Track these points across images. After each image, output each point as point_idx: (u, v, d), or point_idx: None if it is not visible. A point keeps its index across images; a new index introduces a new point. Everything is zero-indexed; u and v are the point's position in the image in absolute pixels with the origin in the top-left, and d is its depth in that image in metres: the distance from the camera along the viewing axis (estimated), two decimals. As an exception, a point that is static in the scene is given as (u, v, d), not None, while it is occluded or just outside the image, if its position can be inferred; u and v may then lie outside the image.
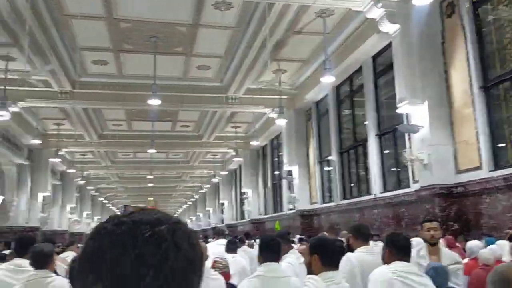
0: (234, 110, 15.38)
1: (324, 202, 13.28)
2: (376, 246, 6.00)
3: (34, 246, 3.49)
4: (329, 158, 12.82)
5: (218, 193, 30.44)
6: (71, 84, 12.90)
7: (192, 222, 47.05)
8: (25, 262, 3.61)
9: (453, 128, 7.43)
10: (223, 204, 27.61)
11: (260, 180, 20.70)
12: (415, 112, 7.76)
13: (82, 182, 25.24)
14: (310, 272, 2.67)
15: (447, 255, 3.64)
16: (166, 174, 30.65)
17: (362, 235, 3.81)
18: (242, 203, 23.79)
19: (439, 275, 3.01)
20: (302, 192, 14.15)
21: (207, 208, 34.43)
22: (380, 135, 10.02)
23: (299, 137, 14.62)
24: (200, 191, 34.44)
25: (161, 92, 11.45)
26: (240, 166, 23.97)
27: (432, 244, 3.70)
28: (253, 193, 20.76)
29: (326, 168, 13.52)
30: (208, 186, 31.46)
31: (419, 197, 7.74)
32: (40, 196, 19.30)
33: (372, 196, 9.98)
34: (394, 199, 9.08)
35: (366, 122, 10.71)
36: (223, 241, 7.31)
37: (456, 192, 7.15)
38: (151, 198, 29.50)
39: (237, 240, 7.52)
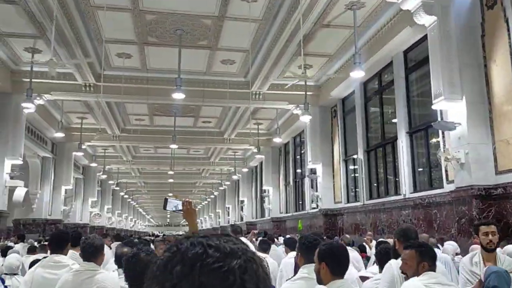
0: (257, 106, 15.12)
1: (348, 202, 12.95)
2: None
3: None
4: (355, 156, 12.48)
5: (238, 190, 30.29)
6: (95, 77, 12.85)
7: (211, 219, 47.16)
8: (63, 258, 3.65)
9: (493, 126, 7.03)
10: (242, 201, 27.41)
11: (282, 178, 20.40)
12: (452, 108, 7.38)
13: (104, 176, 25.35)
14: (319, 281, 2.56)
15: (506, 262, 3.31)
16: (186, 170, 30.65)
17: (408, 240, 3.45)
18: (262, 201, 23.57)
19: (502, 280, 2.71)
20: (326, 191, 13.84)
21: (226, 205, 34.30)
22: (411, 133, 9.65)
23: (324, 134, 14.33)
24: (219, 188, 34.30)
25: (184, 86, 11.29)
26: (261, 163, 23.77)
27: (489, 250, 3.36)
28: (274, 191, 20.51)
29: (352, 167, 13.19)
30: (228, 183, 31.33)
31: (454, 198, 7.37)
32: (63, 189, 19.47)
33: (401, 197, 9.62)
34: (426, 199, 8.71)
35: (395, 120, 10.34)
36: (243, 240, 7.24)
37: (496, 194, 6.77)
38: (171, 194, 29.44)
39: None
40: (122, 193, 35.64)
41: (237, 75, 13.65)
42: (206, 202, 47.69)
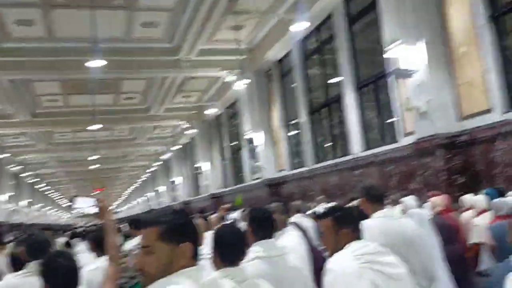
0: (187, 75, 13.90)
1: (293, 168, 12.29)
2: (393, 209, 5.08)
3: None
4: (297, 120, 11.79)
5: (170, 171, 28.96)
6: (-7, 50, 10.87)
7: (139, 204, 45.23)
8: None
9: (454, 68, 6.54)
10: (173, 182, 26.19)
11: (217, 152, 19.43)
12: (407, 55, 6.78)
13: (17, 168, 22.79)
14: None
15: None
16: (111, 154, 28.60)
17: (375, 197, 3.12)
18: (197, 178, 22.53)
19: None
20: (267, 160, 13.07)
21: (156, 188, 32.82)
22: (359, 88, 9.05)
23: (261, 101, 13.38)
24: (148, 171, 32.67)
25: (101, 57, 9.82)
26: (192, 140, 22.66)
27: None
28: (210, 166, 19.50)
29: (294, 132, 12.46)
30: (158, 163, 29.81)
31: (416, 151, 6.86)
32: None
33: (351, 156, 9.08)
34: (380, 156, 8.19)
35: (338, 79, 9.71)
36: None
37: (461, 141, 6.32)
38: (95, 182, 27.37)
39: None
40: (42, 185, 32.73)
41: (162, 40, 12.25)
42: (134, 187, 45.51)
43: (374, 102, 8.92)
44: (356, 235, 2.26)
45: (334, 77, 10.30)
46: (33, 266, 2.73)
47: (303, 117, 11.22)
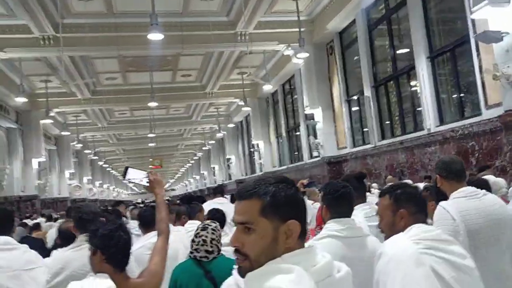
0: (244, 49, 13.49)
1: (355, 146, 11.73)
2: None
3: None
4: (361, 95, 11.15)
5: (224, 149, 29.02)
6: (54, 27, 10.97)
7: (196, 181, 46.02)
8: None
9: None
10: (229, 159, 26.19)
11: (272, 130, 19.08)
12: (496, 16, 6.01)
13: (79, 146, 23.55)
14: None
15: None
16: (167, 132, 29.05)
17: (456, 174, 2.67)
18: (252, 157, 22.41)
19: None
20: (328, 136, 12.54)
21: (212, 166, 33.07)
22: (432, 58, 8.30)
23: (321, 75, 12.82)
24: (203, 148, 32.92)
25: (160, 31, 9.62)
26: (247, 117, 22.48)
27: None
28: (265, 144, 19.22)
29: (356, 108, 11.86)
30: (213, 142, 29.92)
31: (503, 124, 6.14)
32: (35, 162, 17.76)
33: (424, 132, 8.40)
34: (459, 131, 7.48)
35: (409, 48, 8.96)
36: (222, 200, 6.39)
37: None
38: (154, 159, 27.88)
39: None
40: (101, 163, 33.88)
41: (219, 14, 11.94)
42: (190, 164, 46.27)
43: (450, 72, 8.14)
44: (418, 217, 1.97)
45: (403, 48, 9.56)
46: (83, 238, 2.54)
47: (367, 91, 10.56)
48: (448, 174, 2.67)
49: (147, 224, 3.72)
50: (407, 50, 9.30)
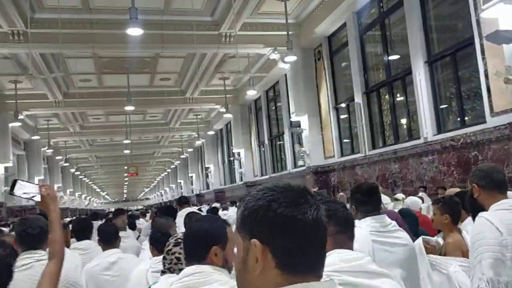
0: (228, 51, 12.92)
1: (343, 155, 11.22)
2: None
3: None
4: (348, 102, 10.71)
5: (202, 157, 28.25)
6: (24, 22, 10.13)
7: (172, 191, 44.95)
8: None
9: None
10: (208, 168, 25.46)
11: (254, 138, 18.40)
12: (508, 15, 5.59)
13: (50, 151, 22.42)
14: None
15: None
16: (143, 139, 28.14)
17: (497, 184, 2.36)
18: (231, 165, 21.79)
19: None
20: (314, 145, 11.97)
21: (189, 174, 32.23)
22: (431, 62, 7.87)
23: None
24: (181, 157, 32.08)
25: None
26: (228, 125, 21.87)
27: None
28: (246, 153, 18.59)
29: (344, 116, 11.50)
30: (191, 150, 29.15)
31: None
32: (1, 167, 16.64)
33: (420, 141, 7.93)
34: (460, 140, 7.02)
35: (396, 57, 8.56)
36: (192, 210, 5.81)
37: None
38: (129, 166, 26.86)
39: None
40: (72, 170, 32.54)
41: (203, 13, 11.32)
42: (166, 173, 45.19)
43: (450, 77, 7.71)
44: (340, 240, 1.57)
45: (397, 53, 9.14)
46: (27, 255, 2.40)
47: (358, 98, 10.08)
48: (488, 184, 2.35)
49: (106, 240, 3.40)
50: (402, 54, 8.88)
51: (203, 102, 18.34)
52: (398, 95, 9.13)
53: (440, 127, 7.73)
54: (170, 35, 11.38)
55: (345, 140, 11.31)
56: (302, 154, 12.08)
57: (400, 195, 6.50)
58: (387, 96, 9.44)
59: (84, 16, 10.63)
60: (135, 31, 7.96)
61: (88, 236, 4.00)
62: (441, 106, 7.92)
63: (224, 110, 17.38)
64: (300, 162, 12.51)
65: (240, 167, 19.29)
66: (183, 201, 6.60)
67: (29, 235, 2.41)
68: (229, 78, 17.12)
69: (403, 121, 9.02)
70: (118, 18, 10.60)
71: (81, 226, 4.12)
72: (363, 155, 9.90)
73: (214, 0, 10.81)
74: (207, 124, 23.96)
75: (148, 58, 14.19)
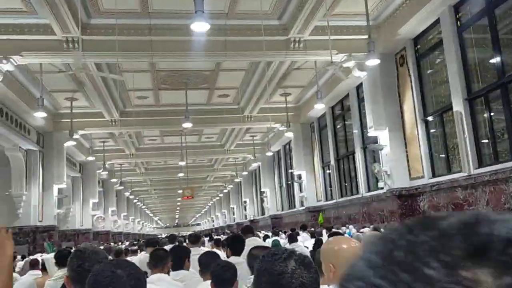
0: (296, 59, 11.73)
1: (435, 175, 9.52)
2: None
3: None
4: (443, 112, 9.09)
5: (257, 181, 27.15)
6: (80, 27, 9.39)
7: (224, 216, 43.90)
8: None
9: None
10: (263, 192, 24.18)
11: (317, 159, 17.52)
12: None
13: (105, 173, 21.91)
14: None
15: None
16: (197, 161, 27.45)
17: None
18: (290, 189, 20.45)
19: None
20: (397, 164, 10.69)
21: (244, 199, 31.06)
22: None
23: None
24: (234, 180, 31.13)
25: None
26: (286, 146, 20.80)
27: None
28: (308, 175, 17.12)
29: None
30: (245, 173, 28.05)
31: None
32: (55, 188, 16.07)
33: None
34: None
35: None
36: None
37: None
38: (185, 189, 26.01)
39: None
40: (127, 193, 32.24)
41: (270, 16, 10.18)
42: (218, 198, 44.26)
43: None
44: None
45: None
46: None
47: (458, 106, 8.42)
48: None
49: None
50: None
51: (262, 120, 17.16)
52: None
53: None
54: (234, 42, 10.31)
55: (441, 156, 9.58)
56: (382, 175, 10.44)
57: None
58: (500, 101, 7.73)
59: (143, 22, 9.77)
60: (200, 26, 6.83)
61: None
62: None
63: (284, 128, 16.13)
64: (380, 184, 10.84)
65: (301, 191, 17.77)
66: (247, 231, 5.44)
67: (85, 271, 2.01)
68: (290, 94, 15.88)
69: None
70: (179, 23, 9.72)
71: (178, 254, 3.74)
72: (466, 174, 8.16)
73: (283, 1, 9.65)
74: (263, 146, 22.73)
75: (207, 71, 13.24)
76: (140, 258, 5.66)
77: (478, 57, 8.43)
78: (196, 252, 4.28)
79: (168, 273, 3.37)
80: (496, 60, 7.66)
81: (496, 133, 7.91)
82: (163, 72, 13.08)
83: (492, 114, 7.98)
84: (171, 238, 7.57)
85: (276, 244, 7.41)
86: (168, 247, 6.58)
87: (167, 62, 12.10)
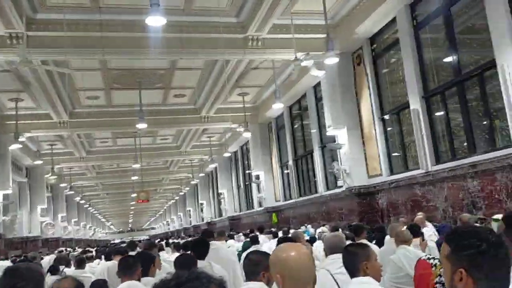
0: (254, 58, 11.55)
1: (393, 173, 9.62)
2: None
3: None
4: (400, 111, 9.24)
5: (214, 183, 26.84)
6: (25, 21, 8.75)
7: (180, 220, 43.12)
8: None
9: None
10: (221, 194, 23.90)
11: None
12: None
13: (53, 178, 20.83)
14: None
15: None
16: (152, 164, 26.77)
17: None
18: (248, 190, 20.32)
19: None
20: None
21: (200, 201, 30.61)
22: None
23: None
24: (191, 183, 30.56)
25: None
26: (243, 147, 20.70)
27: None
28: (267, 175, 17.00)
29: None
30: (202, 175, 27.66)
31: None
32: (0, 194, 15.07)
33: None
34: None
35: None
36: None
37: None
38: (139, 193, 25.22)
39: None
40: (77, 198, 30.92)
41: (228, 13, 9.94)
42: (174, 201, 43.43)
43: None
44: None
45: (469, 46, 7.66)
46: None
47: (415, 104, 8.52)
48: None
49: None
50: (475, 48, 7.38)
51: (219, 121, 16.89)
52: (473, 95, 7.57)
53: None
54: (190, 39, 9.98)
55: (399, 153, 9.70)
56: (341, 173, 10.45)
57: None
58: (456, 98, 7.88)
59: (93, 17, 9.25)
60: (156, 20, 6.49)
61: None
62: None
63: (242, 129, 15.92)
64: (339, 183, 10.84)
65: (259, 192, 17.65)
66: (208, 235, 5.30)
67: None
68: (248, 94, 15.70)
69: (483, 126, 7.44)
70: (132, 19, 9.27)
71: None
72: (424, 171, 8.28)
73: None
74: (220, 147, 22.45)
75: (162, 70, 12.80)
76: (109, 266, 5.35)
77: (435, 55, 8.57)
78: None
79: (139, 280, 3.25)
80: (452, 58, 7.79)
81: (453, 130, 8.06)
82: (115, 70, 12.52)
83: (448, 111, 8.11)
84: (131, 245, 7.18)
85: (246, 246, 7.23)
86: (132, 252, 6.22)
87: (120, 60, 11.58)
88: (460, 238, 1.34)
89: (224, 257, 4.63)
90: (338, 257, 3.02)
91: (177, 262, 3.63)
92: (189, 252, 4.43)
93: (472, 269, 1.27)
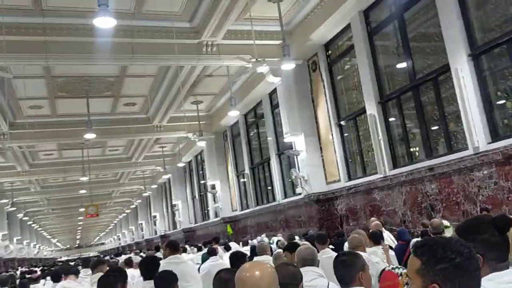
0: (209, 64, 11.26)
1: (351, 179, 9.61)
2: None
3: None
4: (356, 116, 9.26)
5: (168, 194, 26.12)
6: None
7: (131, 233, 41.75)
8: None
9: None
10: (175, 205, 23.28)
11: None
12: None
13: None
14: None
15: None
16: (101, 177, 25.67)
17: None
18: (203, 201, 19.89)
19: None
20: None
21: (153, 214, 29.71)
22: (476, 55, 6.47)
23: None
24: (143, 195, 29.62)
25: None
26: (198, 157, 20.20)
27: None
28: (223, 185, 16.67)
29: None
30: (154, 187, 26.88)
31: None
32: None
33: (469, 152, 6.42)
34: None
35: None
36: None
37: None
38: (87, 206, 24.01)
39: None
40: (20, 215, 29.13)
41: (181, 18, 9.59)
42: (124, 214, 41.99)
43: (504, 69, 6.33)
44: None
45: (422, 51, 7.77)
46: None
47: (371, 109, 8.55)
48: None
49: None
50: (429, 52, 7.49)
51: (173, 130, 16.41)
52: (428, 98, 7.67)
53: (497, 133, 6.27)
54: (141, 44, 9.55)
55: (356, 159, 9.70)
56: (300, 180, 10.33)
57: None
58: (412, 102, 7.96)
59: (36, 20, 8.64)
60: (105, 22, 6.07)
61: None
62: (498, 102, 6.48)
63: (196, 138, 15.52)
64: (298, 190, 10.71)
65: (215, 202, 17.28)
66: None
67: None
68: (202, 102, 15.36)
69: (438, 130, 7.53)
70: (78, 22, 8.76)
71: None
72: (382, 176, 8.29)
73: (194, 2, 9.16)
74: (173, 157, 21.88)
75: (111, 77, 12.24)
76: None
77: (390, 61, 8.66)
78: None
79: None
80: (407, 63, 7.88)
81: (409, 134, 8.13)
82: (60, 78, 11.83)
83: (404, 116, 8.18)
84: (85, 262, 6.70)
85: (205, 258, 6.90)
86: (85, 271, 5.71)
87: (65, 67, 10.94)
88: (431, 250, 1.27)
89: (192, 273, 4.40)
90: (310, 270, 3.13)
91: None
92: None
93: (446, 284, 1.22)
